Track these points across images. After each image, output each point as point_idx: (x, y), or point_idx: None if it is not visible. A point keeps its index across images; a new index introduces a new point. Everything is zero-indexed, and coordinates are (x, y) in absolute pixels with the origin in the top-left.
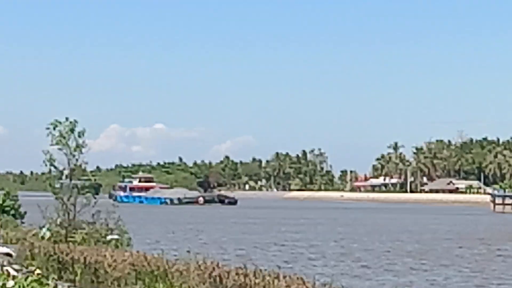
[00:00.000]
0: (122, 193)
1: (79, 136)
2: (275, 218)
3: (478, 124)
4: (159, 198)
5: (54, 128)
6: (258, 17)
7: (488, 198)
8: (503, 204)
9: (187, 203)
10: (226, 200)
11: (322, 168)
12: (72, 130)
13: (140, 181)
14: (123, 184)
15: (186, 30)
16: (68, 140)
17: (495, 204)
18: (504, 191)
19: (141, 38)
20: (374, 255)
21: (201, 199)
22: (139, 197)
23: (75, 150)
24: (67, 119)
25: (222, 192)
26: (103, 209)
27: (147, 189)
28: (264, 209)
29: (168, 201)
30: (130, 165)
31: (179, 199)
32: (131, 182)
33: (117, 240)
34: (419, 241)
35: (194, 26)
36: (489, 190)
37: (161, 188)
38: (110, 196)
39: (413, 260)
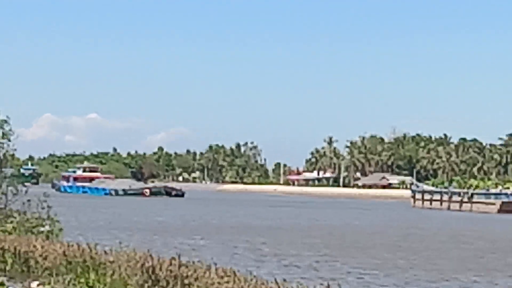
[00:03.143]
0: (65, 183)
1: (2, 125)
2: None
3: (411, 120)
4: (103, 189)
5: None
6: (194, 10)
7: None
8: (422, 199)
9: (132, 194)
10: (173, 192)
11: (256, 161)
12: None
13: (84, 171)
14: (66, 174)
15: (119, 18)
16: None
17: (415, 199)
18: (437, 187)
19: (74, 27)
20: (283, 249)
21: (147, 190)
22: (83, 187)
23: (2, 139)
24: None
25: (169, 184)
26: (35, 199)
27: (91, 179)
28: (211, 201)
29: (113, 192)
30: (63, 155)
31: (124, 190)
32: (75, 172)
33: (48, 231)
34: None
35: (127, 14)
36: (422, 185)
37: (106, 178)
38: (53, 186)
39: (314, 254)
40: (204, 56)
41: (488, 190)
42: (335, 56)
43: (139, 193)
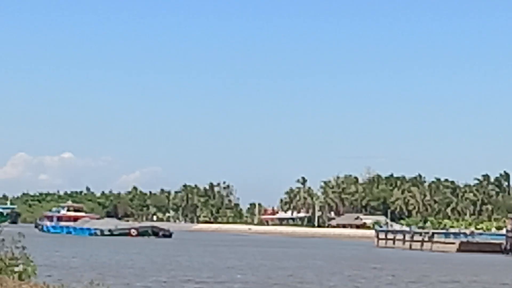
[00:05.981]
0: (49, 223)
1: None
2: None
3: (385, 160)
4: (88, 229)
5: None
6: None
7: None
8: (386, 239)
9: (119, 234)
10: (161, 233)
11: (229, 201)
12: None
13: (68, 210)
14: (50, 214)
15: (89, 59)
16: None
17: (378, 239)
18: (410, 228)
19: (47, 66)
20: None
21: (134, 230)
22: (67, 227)
23: None
24: None
25: (157, 224)
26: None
27: (75, 219)
28: (195, 242)
29: (98, 232)
30: (37, 194)
31: (110, 230)
32: (58, 211)
33: (21, 271)
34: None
35: (99, 54)
36: (396, 226)
37: (91, 218)
38: (36, 226)
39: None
40: (174, 95)
41: (447, 230)
42: (308, 96)
43: (126, 233)
